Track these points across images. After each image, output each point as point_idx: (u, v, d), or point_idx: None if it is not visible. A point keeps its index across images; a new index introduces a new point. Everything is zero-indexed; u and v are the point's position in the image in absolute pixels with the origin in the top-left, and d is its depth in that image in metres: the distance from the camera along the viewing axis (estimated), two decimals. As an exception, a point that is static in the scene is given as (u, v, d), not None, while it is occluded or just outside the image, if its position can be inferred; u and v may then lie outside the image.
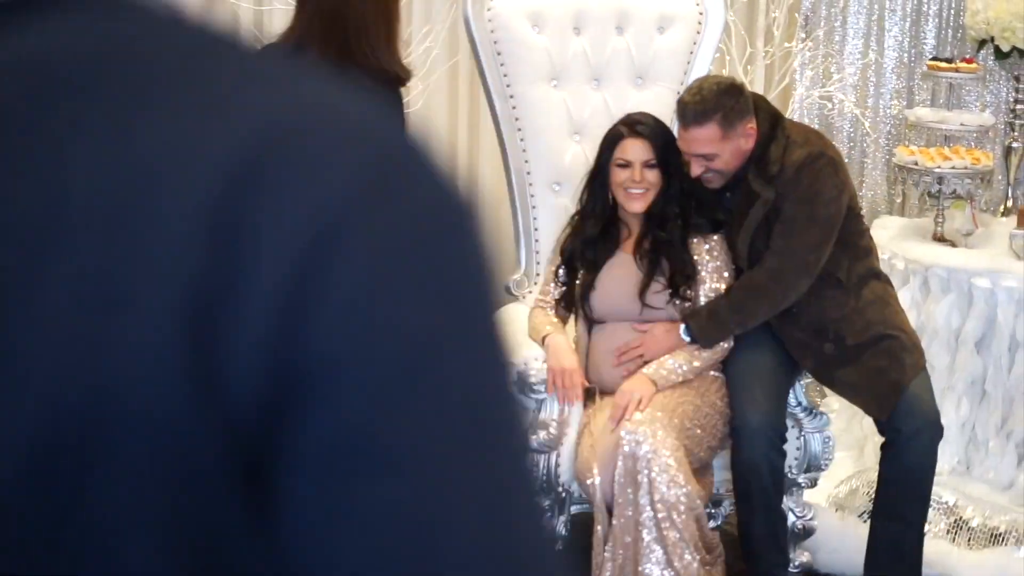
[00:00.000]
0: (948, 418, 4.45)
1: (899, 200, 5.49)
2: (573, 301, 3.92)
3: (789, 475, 3.99)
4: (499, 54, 4.30)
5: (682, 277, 3.80)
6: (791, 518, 4.03)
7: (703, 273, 3.82)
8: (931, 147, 4.77)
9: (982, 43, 4.95)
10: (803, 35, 5.37)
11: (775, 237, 3.70)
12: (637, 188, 3.79)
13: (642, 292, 3.80)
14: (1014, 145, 5.04)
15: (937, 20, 5.48)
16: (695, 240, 3.84)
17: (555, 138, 4.34)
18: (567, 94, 4.36)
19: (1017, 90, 5.04)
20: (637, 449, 3.53)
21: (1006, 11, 4.79)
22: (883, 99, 5.50)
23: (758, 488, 3.76)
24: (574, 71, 4.37)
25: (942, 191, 4.63)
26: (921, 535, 3.80)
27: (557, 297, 3.95)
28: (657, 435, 3.54)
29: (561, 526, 3.86)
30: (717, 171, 3.73)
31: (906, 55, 5.53)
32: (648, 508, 3.53)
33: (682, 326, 3.77)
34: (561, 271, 3.95)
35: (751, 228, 3.75)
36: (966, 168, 4.58)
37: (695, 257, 3.82)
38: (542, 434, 3.77)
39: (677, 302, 3.80)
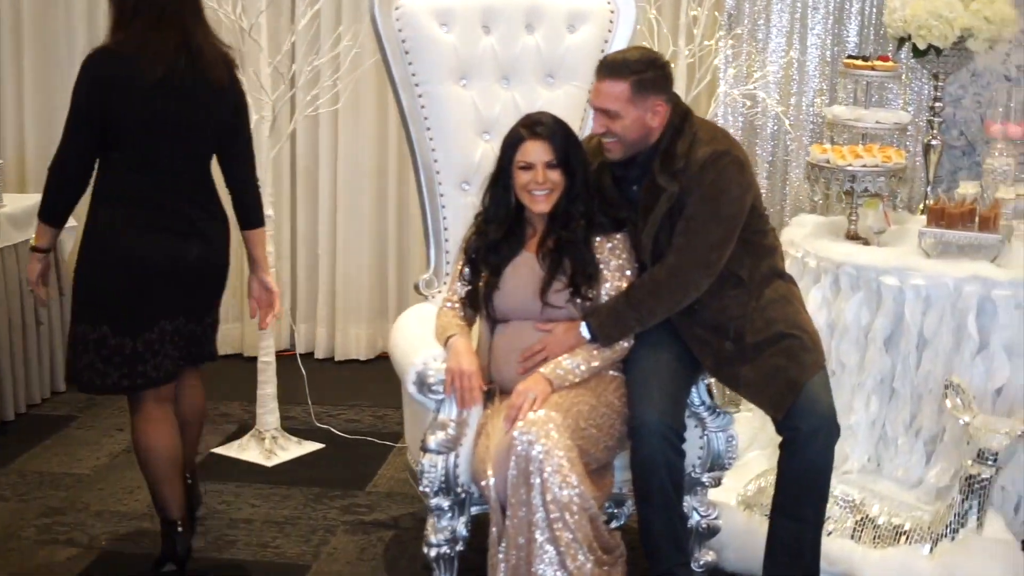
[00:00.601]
0: (858, 416, 4.48)
1: (819, 199, 5.47)
2: (478, 300, 3.91)
3: (692, 474, 4.00)
4: (407, 52, 4.28)
5: (583, 277, 3.80)
6: (695, 517, 4.02)
7: (605, 272, 3.82)
8: (848, 146, 4.75)
9: (902, 41, 4.95)
10: (722, 33, 5.34)
11: (677, 234, 3.70)
12: (540, 190, 3.79)
13: (543, 292, 3.79)
14: (933, 143, 5.04)
15: (860, 18, 5.46)
16: (598, 239, 3.83)
17: (464, 137, 4.33)
18: (476, 92, 4.35)
19: (936, 88, 5.04)
20: (529, 449, 3.52)
21: (923, 9, 4.78)
22: (806, 97, 5.49)
23: (656, 487, 3.76)
24: (483, 69, 4.35)
25: (854, 189, 4.62)
26: (819, 533, 3.80)
27: (463, 296, 3.95)
28: (550, 435, 3.53)
29: (462, 527, 3.86)
30: (617, 136, 3.73)
31: (828, 53, 5.51)
32: (541, 509, 3.52)
33: (582, 324, 3.76)
34: (466, 271, 3.95)
35: (656, 223, 3.74)
36: (877, 166, 4.57)
37: (598, 256, 3.82)
38: (440, 435, 3.76)
39: (578, 301, 3.79)
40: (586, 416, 3.68)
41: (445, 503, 3.82)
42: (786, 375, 3.73)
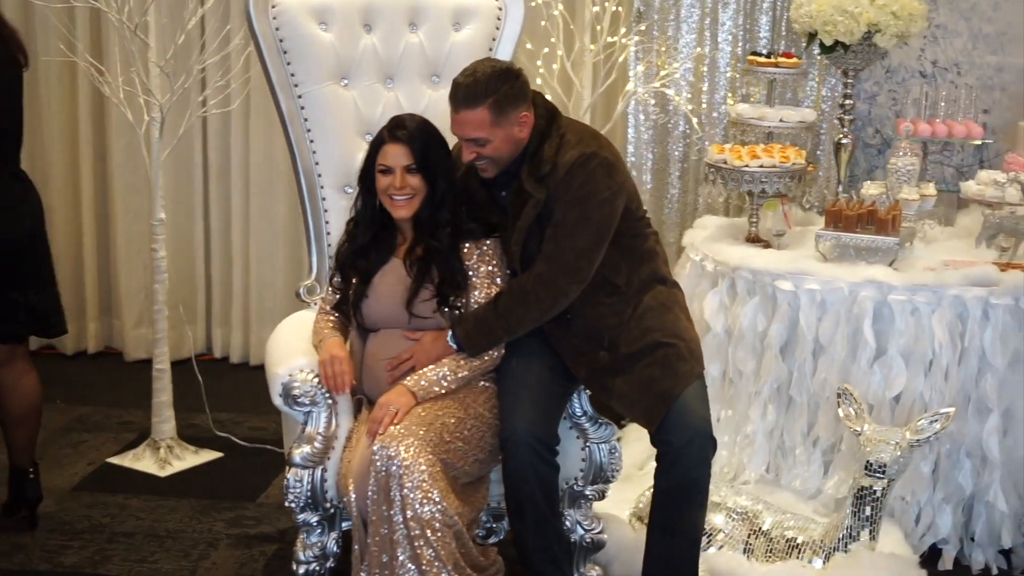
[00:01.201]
0: (754, 425, 4.36)
1: (722, 200, 5.33)
2: (347, 308, 3.79)
3: (575, 487, 3.87)
4: (285, 52, 4.14)
5: (450, 286, 3.67)
6: (579, 531, 3.90)
7: (475, 279, 3.69)
8: (747, 146, 4.62)
9: (812, 37, 4.81)
10: (627, 28, 5.20)
11: (546, 240, 3.56)
12: (400, 195, 3.65)
13: (408, 301, 3.66)
14: (843, 141, 4.91)
15: (771, 14, 5.31)
16: (467, 246, 3.70)
17: (345, 138, 4.20)
18: (357, 93, 4.22)
19: (846, 85, 4.91)
20: (389, 464, 3.40)
21: (828, 4, 4.65)
22: (718, 95, 5.33)
23: (527, 500, 3.63)
24: (364, 69, 4.22)
25: (752, 191, 4.48)
26: (696, 549, 3.66)
27: (333, 304, 3.83)
28: (411, 450, 3.41)
29: (332, 543, 3.73)
30: (489, 158, 3.60)
31: (740, 49, 5.35)
32: (401, 526, 3.40)
33: (449, 333, 3.63)
34: (337, 278, 3.83)
35: (523, 229, 3.61)
36: (775, 167, 4.43)
37: (467, 263, 3.69)
38: (306, 448, 3.64)
39: (446, 311, 3.66)
40: (452, 429, 3.55)
41: (313, 518, 3.70)
42: (659, 386, 3.60)
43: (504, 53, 4.33)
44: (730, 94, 5.25)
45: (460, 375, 3.64)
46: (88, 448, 5.17)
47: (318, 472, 3.66)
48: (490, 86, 3.53)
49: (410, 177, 3.63)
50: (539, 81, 5.28)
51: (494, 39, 4.33)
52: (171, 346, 5.18)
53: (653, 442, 3.65)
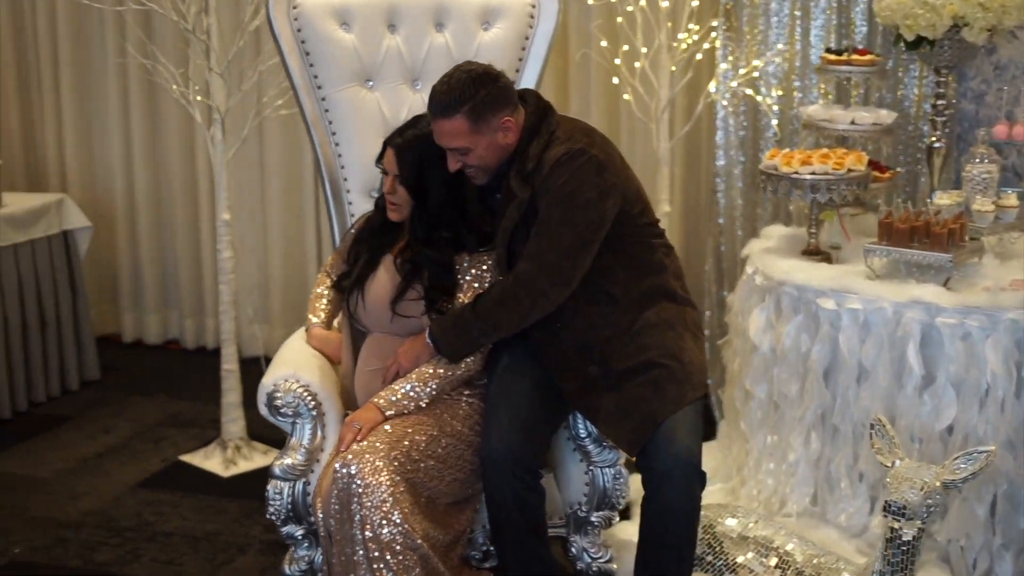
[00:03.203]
0: (797, 454, 4.05)
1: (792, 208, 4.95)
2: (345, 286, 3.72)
3: (579, 512, 3.67)
4: (307, 54, 4.07)
5: (439, 291, 3.52)
6: (585, 559, 3.70)
7: (462, 282, 3.53)
8: (800, 151, 4.27)
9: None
10: (702, 25, 4.90)
11: (529, 240, 3.37)
12: (389, 200, 3.54)
13: (393, 300, 3.54)
14: (936, 145, 4.50)
15: (867, 5, 4.87)
16: (464, 255, 3.56)
17: (371, 141, 4.06)
18: (381, 95, 4.10)
19: (939, 84, 4.49)
20: (350, 483, 3.28)
21: (909, -5, 4.27)
22: (811, 95, 4.95)
23: (507, 524, 3.45)
24: (389, 71, 4.11)
25: (803, 200, 4.14)
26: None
27: (338, 275, 3.77)
28: (374, 467, 3.28)
29: (320, 558, 3.64)
30: (475, 166, 3.43)
31: (833, 45, 4.94)
32: (361, 546, 3.28)
33: (427, 331, 3.49)
34: (351, 252, 3.76)
35: (507, 230, 3.43)
36: (827, 174, 4.07)
37: (456, 267, 3.54)
38: (287, 460, 3.55)
39: (432, 315, 3.51)
40: (423, 447, 3.39)
41: (298, 531, 3.61)
42: (646, 408, 3.35)
43: (538, 52, 4.16)
44: (824, 93, 4.87)
45: (430, 385, 3.47)
46: (168, 444, 5.25)
47: (299, 485, 3.56)
48: (465, 93, 3.35)
49: (399, 187, 3.51)
50: (615, 80, 5.05)
51: (527, 38, 4.15)
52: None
53: (638, 468, 3.41)
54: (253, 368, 5.45)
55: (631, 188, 3.47)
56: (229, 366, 5.04)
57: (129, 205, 6.50)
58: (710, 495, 4.35)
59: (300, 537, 3.62)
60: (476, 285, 3.53)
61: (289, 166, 6.14)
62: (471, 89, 3.36)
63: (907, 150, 4.87)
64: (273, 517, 3.58)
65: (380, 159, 3.61)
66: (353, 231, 3.81)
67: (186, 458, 5.09)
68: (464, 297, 3.52)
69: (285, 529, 3.60)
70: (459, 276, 3.54)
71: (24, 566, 4.21)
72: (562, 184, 3.32)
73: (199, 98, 4.90)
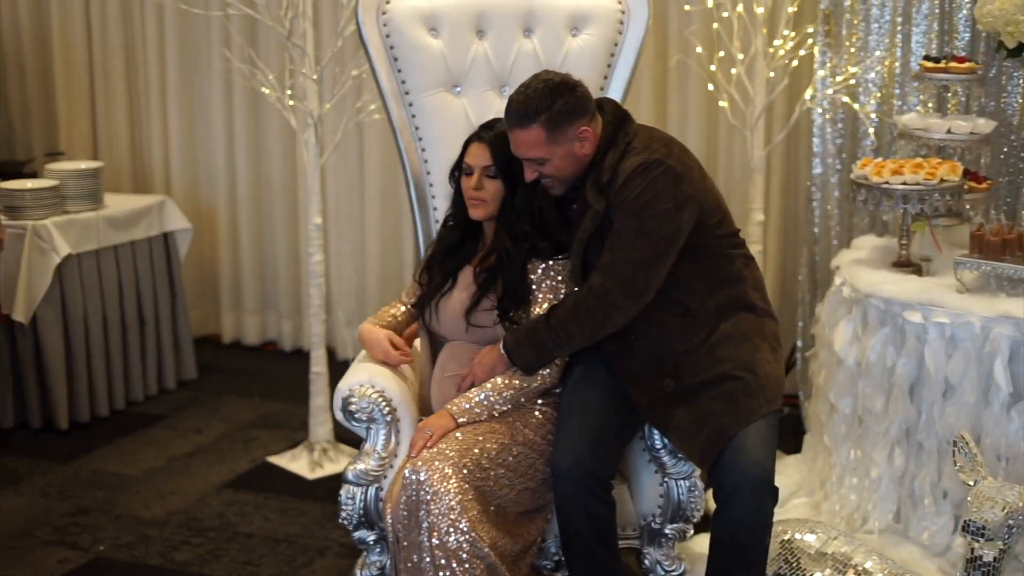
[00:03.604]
0: (880, 469, 3.96)
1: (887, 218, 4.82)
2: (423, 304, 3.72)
3: (653, 524, 3.63)
4: (396, 60, 4.08)
5: (512, 299, 3.51)
6: (658, 572, 3.65)
7: (537, 295, 3.52)
8: (893, 160, 4.17)
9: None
10: (796, 31, 4.81)
11: (603, 252, 3.34)
12: (475, 196, 3.53)
13: (468, 310, 3.54)
14: (1039, 156, 4.37)
15: (970, 15, 4.73)
16: (535, 261, 3.53)
17: (456, 147, 4.02)
18: (468, 101, 4.10)
19: (1041, 93, 4.37)
20: (418, 489, 3.27)
21: (1011, 2, 4.15)
22: (911, 102, 4.82)
23: (575, 536, 3.42)
24: (476, 77, 4.09)
25: (894, 210, 4.04)
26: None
27: (414, 302, 3.75)
28: (443, 473, 3.27)
29: (392, 564, 3.64)
30: (551, 176, 3.41)
31: (935, 52, 4.80)
32: (428, 553, 3.27)
33: (501, 342, 3.47)
34: (424, 276, 3.74)
35: (582, 241, 3.41)
36: (918, 184, 3.97)
37: (531, 277, 3.52)
38: (360, 465, 3.54)
39: (506, 324, 3.50)
40: (493, 455, 3.37)
41: (370, 537, 3.61)
42: (718, 422, 3.30)
43: (627, 60, 4.11)
44: (924, 101, 4.75)
45: (505, 395, 3.46)
46: (257, 446, 5.30)
47: (372, 490, 3.56)
48: (542, 103, 3.33)
49: (488, 181, 3.51)
50: (711, 87, 4.99)
51: (616, 44, 4.10)
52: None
53: (709, 482, 3.36)
54: (345, 371, 5.47)
55: (709, 199, 3.41)
56: (318, 368, 5.08)
57: (231, 207, 6.60)
58: (794, 509, 4.31)
59: (372, 542, 3.61)
60: (551, 296, 3.51)
61: (387, 170, 6.16)
62: (548, 99, 3.33)
63: (1009, 160, 4.71)
64: (345, 522, 3.58)
65: (459, 163, 3.60)
66: (419, 269, 3.80)
67: (273, 459, 5.14)
68: (539, 308, 3.50)
69: (357, 534, 3.60)
70: (533, 287, 3.52)
71: (106, 563, 4.28)
72: (637, 195, 3.28)
73: (292, 103, 4.94)
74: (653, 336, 3.41)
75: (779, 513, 4.21)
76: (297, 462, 5.07)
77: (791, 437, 4.72)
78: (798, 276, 5.24)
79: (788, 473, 4.51)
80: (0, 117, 6.77)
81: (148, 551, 4.35)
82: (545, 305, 3.49)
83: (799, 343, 5.13)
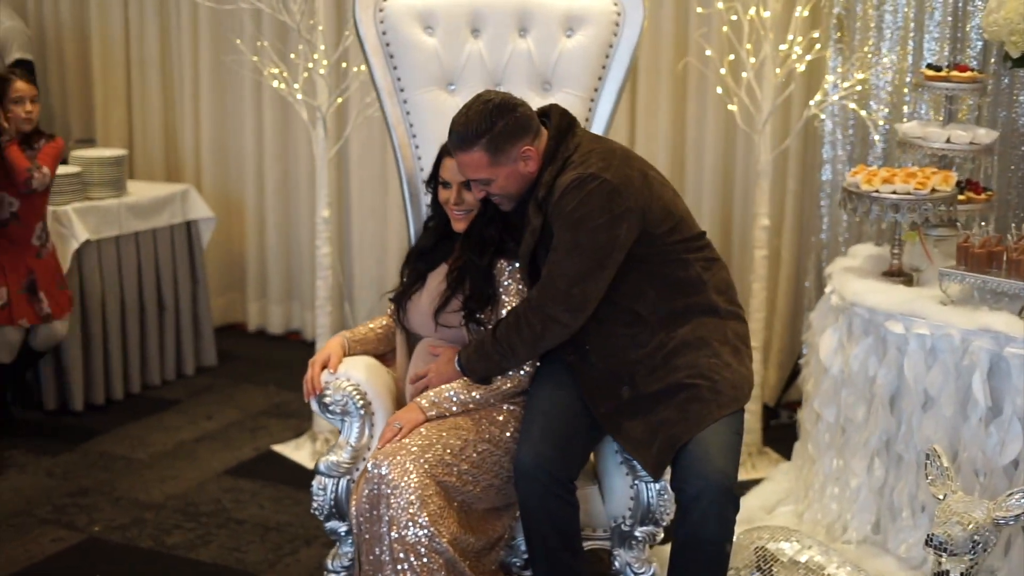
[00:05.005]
0: (859, 479, 3.93)
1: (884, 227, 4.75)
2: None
3: (623, 526, 3.62)
4: (391, 56, 4.11)
5: (477, 301, 3.53)
6: (628, 574, 3.64)
7: (504, 297, 3.54)
8: (885, 168, 4.12)
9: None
10: (802, 37, 4.77)
11: (544, 265, 3.36)
12: (458, 210, 3.56)
13: (436, 309, 3.57)
14: (1042, 168, 4.31)
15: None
16: (503, 262, 3.56)
17: (450, 145, 4.11)
18: (463, 99, 4.08)
19: (1046, 103, 4.30)
20: (380, 483, 3.30)
21: (1015, 11, 4.09)
22: (920, 111, 4.76)
23: (536, 534, 3.43)
24: (471, 75, 4.11)
25: (896, 219, 3.99)
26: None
27: (393, 296, 3.81)
28: (404, 468, 3.30)
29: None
30: (498, 195, 3.44)
31: (946, 62, 4.74)
32: (387, 547, 3.30)
33: (456, 357, 3.50)
34: (405, 274, 3.79)
35: (525, 256, 3.45)
36: (909, 194, 3.93)
37: (499, 278, 3.54)
38: (332, 457, 3.59)
39: (472, 325, 3.52)
40: (456, 451, 3.40)
41: (341, 528, 3.65)
42: (669, 431, 3.29)
43: (621, 61, 4.11)
44: (933, 110, 4.69)
45: (473, 395, 3.49)
46: (264, 434, 5.37)
47: (343, 482, 3.60)
48: (482, 125, 3.34)
49: (466, 193, 3.53)
50: (719, 90, 4.97)
51: (611, 45, 4.11)
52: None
53: (672, 488, 3.35)
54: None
55: (655, 207, 3.37)
56: (321, 360, 5.12)
57: (258, 198, 6.68)
58: (780, 516, 4.28)
59: (343, 534, 3.65)
60: (516, 300, 3.53)
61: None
62: (488, 121, 3.34)
63: (1018, 171, 4.65)
64: (316, 512, 3.63)
65: (435, 173, 3.63)
66: (401, 267, 3.84)
67: (278, 448, 5.20)
68: (505, 309, 3.52)
69: (329, 525, 3.65)
70: (500, 289, 3.54)
71: (99, 543, 4.36)
72: (572, 210, 3.28)
73: (300, 96, 4.99)
74: (605, 345, 3.41)
75: (766, 520, 4.22)
76: (300, 452, 5.13)
77: (792, 444, 4.68)
78: (805, 283, 5.21)
79: (778, 480, 4.49)
80: (41, 108, 6.92)
81: (141, 534, 4.43)
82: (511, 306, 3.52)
83: (805, 350, 5.09)
